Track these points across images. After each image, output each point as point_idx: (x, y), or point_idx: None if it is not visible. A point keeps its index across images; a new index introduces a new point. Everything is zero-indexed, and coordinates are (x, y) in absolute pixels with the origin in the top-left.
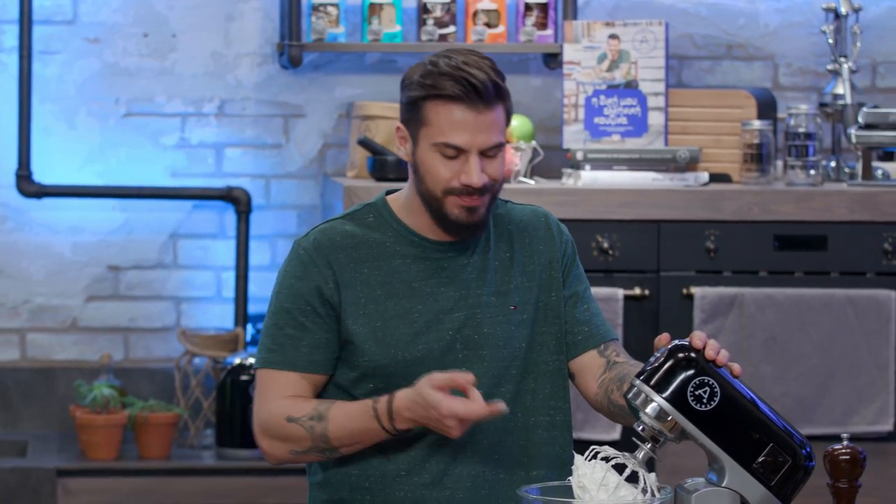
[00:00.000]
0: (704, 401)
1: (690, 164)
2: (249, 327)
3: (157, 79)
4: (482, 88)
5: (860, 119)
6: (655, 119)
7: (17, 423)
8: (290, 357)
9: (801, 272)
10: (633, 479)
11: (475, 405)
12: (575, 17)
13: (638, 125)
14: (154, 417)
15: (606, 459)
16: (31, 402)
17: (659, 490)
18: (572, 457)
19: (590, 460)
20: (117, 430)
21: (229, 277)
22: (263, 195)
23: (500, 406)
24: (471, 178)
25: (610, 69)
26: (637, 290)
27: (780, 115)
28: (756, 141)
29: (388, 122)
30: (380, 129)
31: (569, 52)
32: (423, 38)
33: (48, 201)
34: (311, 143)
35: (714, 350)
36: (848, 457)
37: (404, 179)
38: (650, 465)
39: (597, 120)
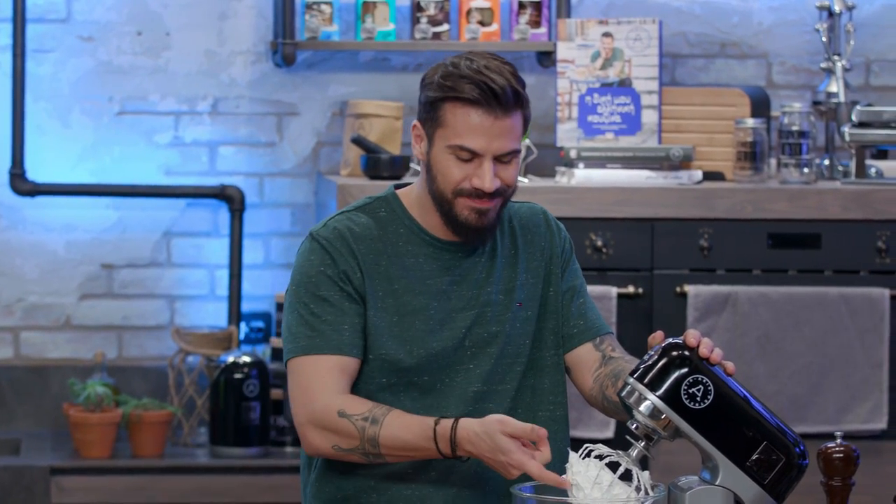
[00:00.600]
0: (698, 399)
1: (684, 163)
2: (243, 325)
3: (150, 77)
4: (501, 94)
5: (854, 117)
6: (649, 117)
7: (11, 421)
8: (334, 341)
9: (795, 270)
10: (626, 477)
11: (547, 474)
12: (569, 16)
13: (631, 123)
14: (148, 416)
15: (600, 457)
16: (24, 401)
17: (652, 488)
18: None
19: (584, 458)
20: (111, 428)
21: (223, 276)
22: (257, 193)
23: (566, 483)
24: (483, 183)
25: (603, 67)
26: (631, 289)
27: (774, 113)
28: (749, 139)
29: (381, 120)
30: (373, 127)
31: (562, 51)
32: (417, 36)
33: (42, 199)
34: (305, 142)
35: (708, 348)
36: (841, 455)
37: (398, 178)
38: (644, 463)
39: (590, 118)
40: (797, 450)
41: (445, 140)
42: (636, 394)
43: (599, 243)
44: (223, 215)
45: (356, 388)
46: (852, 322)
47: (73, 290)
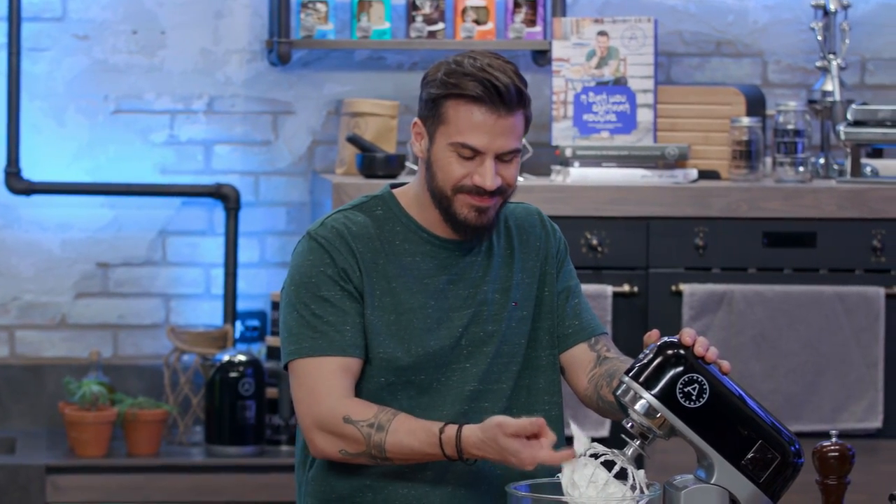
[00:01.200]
0: (693, 398)
1: (679, 161)
2: (238, 324)
3: (146, 76)
4: (505, 92)
5: (849, 116)
6: (644, 116)
7: (6, 420)
8: (338, 342)
9: (790, 269)
10: (622, 475)
11: (556, 455)
12: (564, 14)
13: (627, 122)
14: (143, 414)
15: (596, 456)
16: (20, 399)
17: (648, 487)
18: None
19: (579, 457)
20: (106, 427)
21: (218, 274)
22: (252, 192)
23: (571, 452)
24: (484, 181)
25: (599, 66)
26: (626, 287)
27: (769, 111)
28: (745, 138)
29: (377, 118)
30: (369, 126)
31: (558, 49)
32: (412, 34)
33: (37, 198)
34: (300, 140)
35: (703, 347)
36: (836, 454)
37: (393, 176)
38: (639, 461)
39: (586, 117)
40: (792, 448)
41: (447, 137)
42: (631, 392)
43: (595, 242)
44: (218, 214)
45: (355, 388)
46: (847, 321)
47: (69, 289)
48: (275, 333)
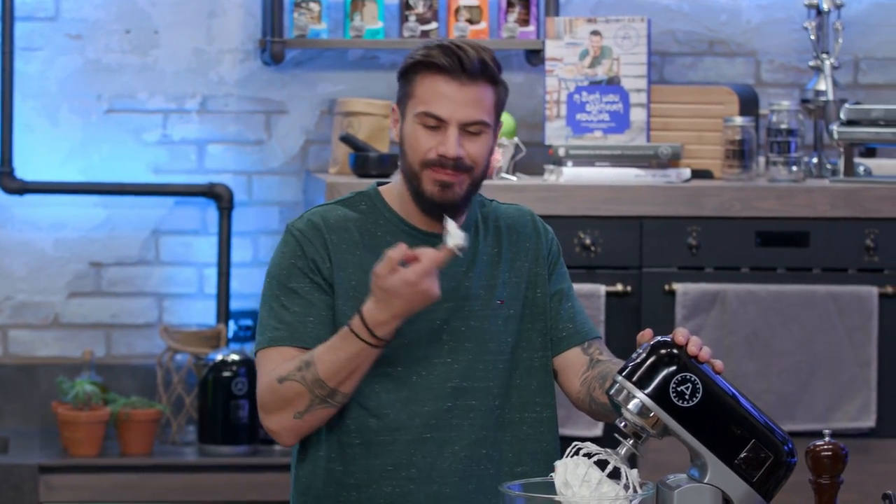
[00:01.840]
0: (686, 397)
1: (672, 161)
2: (231, 324)
3: (139, 75)
4: (468, 62)
5: (842, 115)
6: (637, 115)
7: None
8: (299, 333)
9: (783, 268)
10: (615, 475)
11: (424, 257)
12: (557, 14)
13: (620, 121)
14: (136, 414)
15: (589, 455)
16: (13, 399)
17: (641, 486)
18: (558, 454)
19: (572, 456)
20: (99, 426)
21: (211, 274)
22: (245, 192)
23: (452, 248)
24: (447, 149)
25: (592, 65)
26: (619, 287)
27: (762, 111)
28: (738, 137)
29: (370, 118)
30: (362, 125)
31: (551, 49)
32: (406, 34)
33: (30, 198)
34: (294, 140)
35: (696, 346)
36: (830, 453)
37: (386, 176)
38: (632, 461)
39: (579, 116)
40: (786, 448)
41: (414, 110)
42: (624, 392)
43: (588, 241)
44: (211, 213)
45: None
46: (841, 320)
47: (62, 289)
48: None
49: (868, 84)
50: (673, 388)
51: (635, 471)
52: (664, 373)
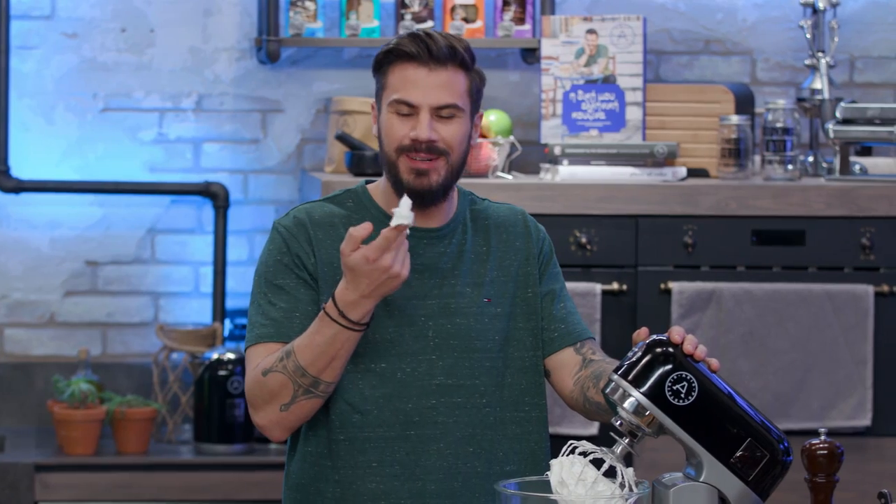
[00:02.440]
0: (682, 395)
1: (668, 159)
2: (227, 322)
3: (134, 74)
4: (435, 48)
5: (838, 114)
6: (633, 114)
7: None
8: (285, 328)
9: (779, 267)
10: (610, 473)
11: (381, 234)
12: (553, 12)
13: (616, 120)
14: (132, 413)
15: (584, 454)
16: (8, 398)
17: (636, 485)
18: (547, 453)
19: (568, 455)
20: (95, 425)
21: (207, 272)
22: (241, 190)
23: (402, 224)
24: (418, 132)
25: (588, 64)
26: (615, 285)
27: (758, 109)
28: (734, 136)
29: (366, 117)
30: (358, 124)
31: (546, 47)
32: (401, 32)
33: (26, 196)
34: (289, 139)
35: (692, 345)
36: (825, 451)
37: (381, 174)
38: (628, 459)
39: (574, 115)
40: (781, 446)
41: (387, 99)
42: (620, 390)
43: (583, 240)
44: (207, 212)
45: None
46: (836, 319)
47: (58, 287)
48: None
49: (864, 83)
50: (669, 386)
51: (631, 469)
52: (660, 371)
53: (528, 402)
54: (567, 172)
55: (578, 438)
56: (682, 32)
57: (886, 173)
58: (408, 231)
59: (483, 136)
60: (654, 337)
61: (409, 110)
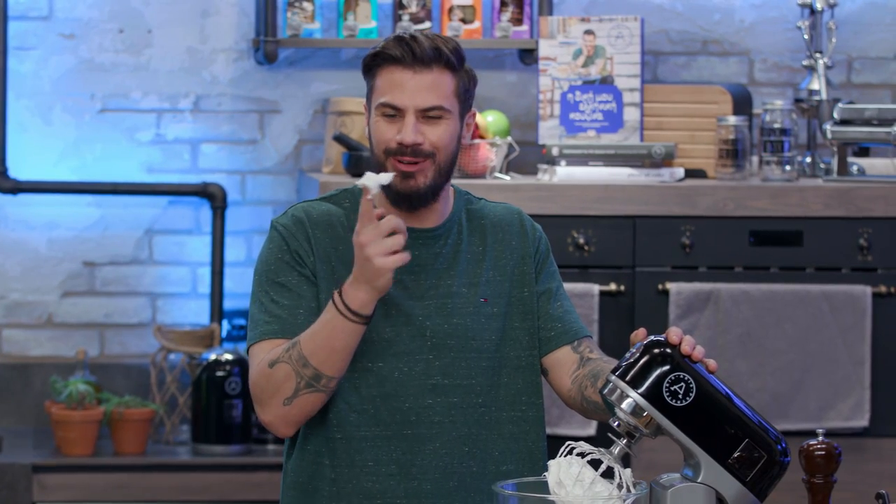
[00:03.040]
0: (680, 396)
1: (666, 160)
2: (225, 323)
3: (132, 74)
4: (419, 50)
5: (835, 115)
6: (631, 115)
7: None
8: (290, 325)
9: (777, 268)
10: (608, 474)
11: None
12: (550, 13)
13: (613, 121)
14: (129, 413)
15: (582, 455)
16: (6, 398)
17: (634, 485)
18: (544, 453)
19: (565, 456)
20: (93, 426)
21: (205, 273)
22: (239, 191)
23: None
24: (403, 136)
25: (585, 65)
26: (612, 286)
27: (756, 110)
28: (731, 136)
29: (363, 117)
30: (355, 124)
31: (544, 48)
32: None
33: (23, 197)
34: (287, 139)
35: (690, 346)
36: (823, 452)
37: None
38: (626, 460)
39: (572, 116)
40: (779, 447)
41: (375, 103)
42: (618, 391)
43: (581, 241)
44: (205, 213)
45: None
46: (834, 319)
47: (55, 288)
48: None
49: (861, 83)
50: (666, 387)
51: (629, 470)
52: (657, 372)
53: (525, 402)
54: (565, 173)
55: (576, 439)
56: (680, 33)
57: (884, 174)
58: (374, 202)
59: (481, 136)
60: (652, 338)
61: (395, 113)
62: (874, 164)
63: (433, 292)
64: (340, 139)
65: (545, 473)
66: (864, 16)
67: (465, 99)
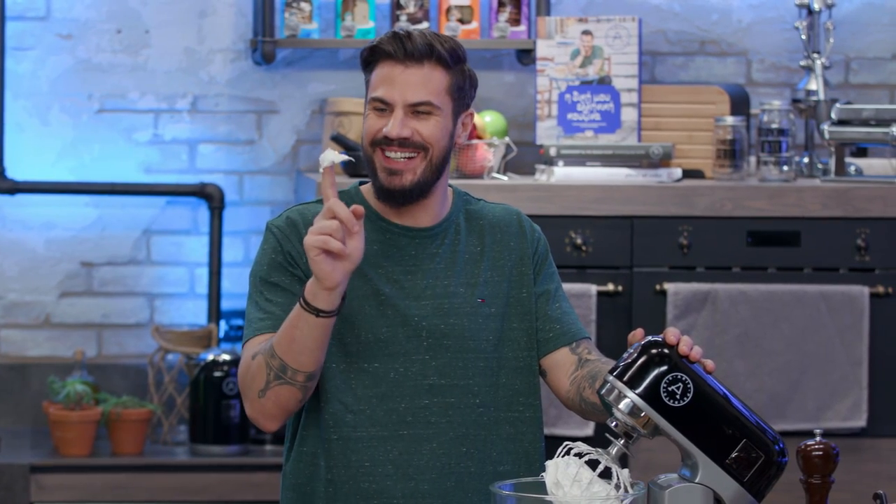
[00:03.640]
0: (677, 397)
1: (663, 160)
2: (223, 323)
3: (130, 75)
4: (411, 46)
5: (833, 115)
6: (628, 115)
7: None
8: (281, 322)
9: (774, 268)
10: (606, 474)
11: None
12: (548, 13)
13: (611, 121)
14: (127, 414)
15: (580, 455)
16: (4, 399)
17: (632, 486)
18: (542, 453)
19: (563, 456)
20: (90, 426)
21: (202, 274)
22: (237, 191)
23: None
24: (389, 129)
25: (583, 65)
26: (610, 286)
27: (753, 110)
28: (729, 137)
29: (361, 118)
30: (353, 125)
31: (542, 48)
32: (395, 29)
33: (21, 197)
34: (285, 140)
35: (687, 346)
36: (821, 452)
37: None
38: (623, 461)
39: (570, 116)
40: (777, 447)
41: (368, 98)
42: (616, 391)
43: (579, 241)
44: (203, 213)
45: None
46: (832, 320)
47: (53, 288)
48: None
49: (859, 84)
50: (664, 387)
51: (626, 470)
52: (655, 372)
53: (523, 403)
54: (562, 173)
55: (574, 439)
56: (678, 33)
57: (881, 174)
58: (320, 168)
59: (478, 137)
60: (650, 338)
61: (385, 107)
62: (872, 165)
63: (430, 292)
64: (338, 139)
65: (543, 474)
66: (862, 16)
67: (460, 97)
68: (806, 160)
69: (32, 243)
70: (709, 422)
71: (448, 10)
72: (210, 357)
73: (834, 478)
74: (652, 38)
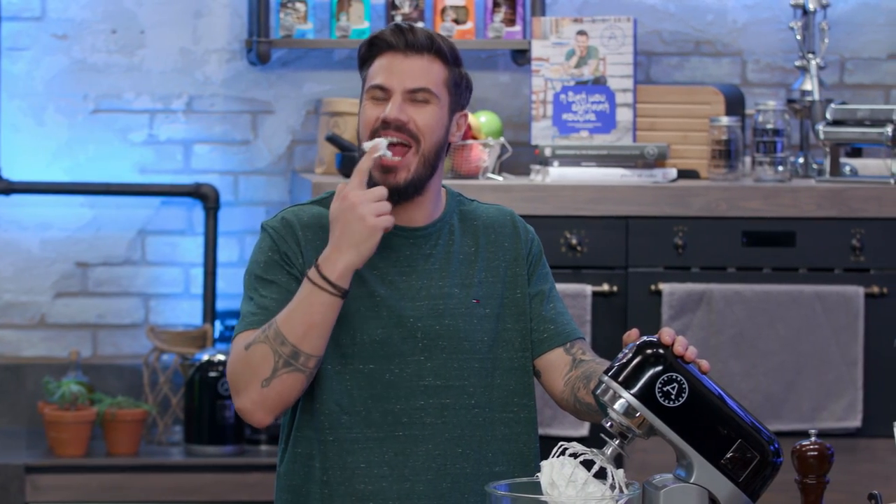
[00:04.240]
0: (672, 397)
1: (658, 161)
2: (218, 324)
3: (125, 75)
4: (412, 37)
5: (828, 115)
6: (624, 115)
7: None
8: (275, 315)
9: (770, 268)
10: (601, 475)
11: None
12: (543, 14)
13: (606, 121)
14: (122, 414)
15: (575, 455)
16: None
17: (627, 486)
18: (537, 454)
19: (558, 456)
20: (86, 426)
21: (198, 274)
22: (232, 191)
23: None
24: (387, 112)
25: (578, 65)
26: (605, 287)
27: (749, 111)
28: (724, 137)
29: (356, 118)
30: (348, 125)
31: (537, 49)
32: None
33: (16, 198)
34: (280, 140)
35: (682, 346)
36: (816, 453)
37: None
38: (618, 461)
39: (565, 116)
40: (772, 448)
41: (365, 89)
42: (610, 392)
43: (574, 241)
44: (198, 213)
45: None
46: (827, 320)
47: (48, 289)
48: None
49: (854, 84)
50: (659, 388)
51: (621, 471)
52: (650, 373)
53: (517, 403)
54: (557, 174)
55: (569, 440)
56: (673, 34)
57: (876, 174)
58: (373, 156)
59: (473, 137)
60: (645, 338)
61: (383, 95)
62: (867, 165)
63: (425, 293)
64: (333, 140)
65: (538, 474)
66: (857, 16)
67: (456, 93)
68: (801, 160)
69: (27, 243)
70: (704, 422)
71: (443, 11)
72: (205, 357)
73: (829, 478)
74: (647, 38)
